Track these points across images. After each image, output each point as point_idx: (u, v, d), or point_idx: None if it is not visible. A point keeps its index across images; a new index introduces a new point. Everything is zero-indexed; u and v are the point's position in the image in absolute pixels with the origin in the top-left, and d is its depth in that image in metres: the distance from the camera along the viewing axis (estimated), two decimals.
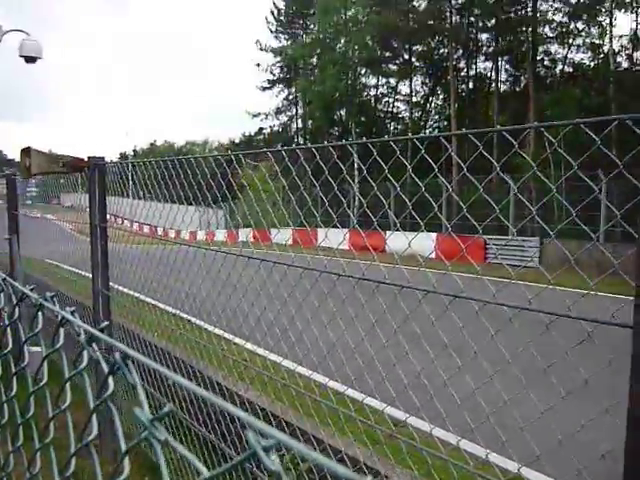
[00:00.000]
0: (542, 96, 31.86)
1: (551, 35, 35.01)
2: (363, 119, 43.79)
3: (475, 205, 2.72)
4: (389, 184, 2.63)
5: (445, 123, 41.24)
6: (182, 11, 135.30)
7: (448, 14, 36.78)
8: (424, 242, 2.97)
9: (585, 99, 29.67)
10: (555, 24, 34.17)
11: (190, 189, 3.97)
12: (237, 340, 4.16)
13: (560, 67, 36.11)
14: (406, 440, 2.69)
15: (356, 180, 21.83)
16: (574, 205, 2.27)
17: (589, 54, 34.41)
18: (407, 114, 44.54)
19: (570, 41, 34.51)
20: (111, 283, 4.75)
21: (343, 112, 43.40)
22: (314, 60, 44.48)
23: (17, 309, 1.52)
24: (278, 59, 48.12)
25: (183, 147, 73.68)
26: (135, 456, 3.79)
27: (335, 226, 3.14)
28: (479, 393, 2.39)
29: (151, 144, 78.35)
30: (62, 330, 1.22)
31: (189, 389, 0.79)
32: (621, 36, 31.84)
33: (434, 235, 15.16)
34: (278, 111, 50.24)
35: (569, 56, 35.25)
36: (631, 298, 1.63)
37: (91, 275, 4.73)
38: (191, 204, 4.39)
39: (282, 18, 48.51)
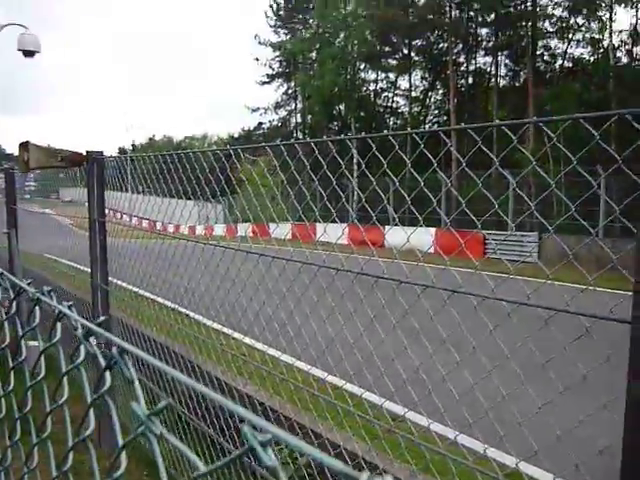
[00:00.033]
0: (542, 91, 31.79)
1: (551, 30, 34.95)
2: (362, 114, 43.68)
3: (474, 200, 2.72)
4: (388, 179, 2.63)
5: (444, 118, 41.20)
6: (181, 6, 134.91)
7: (447, 8, 36.66)
8: (423, 237, 2.97)
9: (585, 94, 29.61)
10: (555, 19, 34.10)
11: (189, 184, 3.97)
12: (236, 335, 4.16)
13: (560, 62, 36.04)
14: (404, 435, 2.69)
15: (355, 175, 21.82)
16: (573, 200, 2.27)
17: (589, 49, 34.33)
18: (406, 109, 44.50)
19: (570, 36, 34.43)
20: (110, 278, 4.75)
21: (342, 107, 43.33)
22: (313, 55, 44.37)
23: (14, 303, 1.52)
24: (277, 53, 48.03)
25: (182, 142, 73.60)
26: (135, 450, 3.80)
27: (334, 221, 3.13)
28: (477, 388, 2.39)
29: (150, 139, 78.30)
30: (59, 324, 1.22)
31: (186, 384, 0.78)
32: (621, 31, 31.78)
33: (433, 230, 15.18)
34: (277, 106, 50.17)
35: (569, 51, 35.20)
36: (630, 294, 1.63)
37: (90, 270, 4.73)
38: (190, 199, 4.39)
39: (281, 12, 48.38)
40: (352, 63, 41.63)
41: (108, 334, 0.99)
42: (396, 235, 2.99)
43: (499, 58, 37.82)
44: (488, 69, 39.66)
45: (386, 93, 45.74)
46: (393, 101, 45.76)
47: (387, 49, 42.24)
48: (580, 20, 33.68)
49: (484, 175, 2.80)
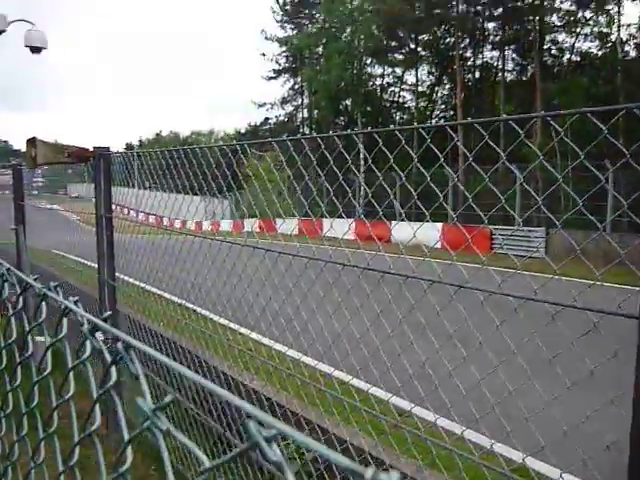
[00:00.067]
0: (549, 85, 31.63)
1: (558, 24, 34.72)
2: (369, 109, 43.57)
3: (481, 195, 2.71)
4: (395, 174, 2.62)
5: (451, 113, 41.02)
6: (187, 3, 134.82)
7: (454, 2, 36.45)
8: (429, 232, 2.96)
9: (592, 88, 29.46)
10: (562, 13, 33.87)
11: (195, 179, 3.97)
12: (242, 330, 4.17)
13: (567, 56, 35.80)
14: (411, 430, 2.69)
15: (362, 170, 21.79)
16: (581, 195, 2.26)
17: (597, 43, 34.08)
18: (413, 104, 44.35)
19: (578, 30, 34.20)
20: (117, 273, 4.77)
21: (349, 102, 43.23)
22: (320, 50, 44.25)
23: (21, 299, 1.53)
24: (284, 49, 47.91)
25: (189, 137, 73.66)
26: (142, 445, 3.81)
27: (340, 216, 3.13)
28: (484, 383, 2.38)
29: (157, 134, 78.43)
30: (65, 320, 1.22)
31: (192, 379, 0.78)
32: (629, 25, 31.54)
33: (439, 225, 15.16)
34: (284, 101, 50.06)
35: (576, 45, 34.95)
36: (637, 288, 1.62)
37: (97, 265, 4.75)
38: (196, 194, 4.39)
39: (287, 7, 48.26)
40: (358, 58, 41.50)
41: (114, 329, 0.99)
42: (403, 230, 2.98)
43: (506, 52, 37.61)
44: (495, 63, 39.46)
45: (393, 88, 45.61)
46: (400, 96, 45.64)
47: (394, 44, 42.09)
48: (588, 14, 33.46)
49: (491, 170, 2.79)
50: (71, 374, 1.19)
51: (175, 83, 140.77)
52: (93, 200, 4.82)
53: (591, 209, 2.21)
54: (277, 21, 48.39)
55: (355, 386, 3.14)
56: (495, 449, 2.40)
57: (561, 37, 35.43)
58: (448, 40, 39.90)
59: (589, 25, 33.72)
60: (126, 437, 0.87)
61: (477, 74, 40.85)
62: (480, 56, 39.85)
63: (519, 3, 34.25)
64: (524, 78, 37.46)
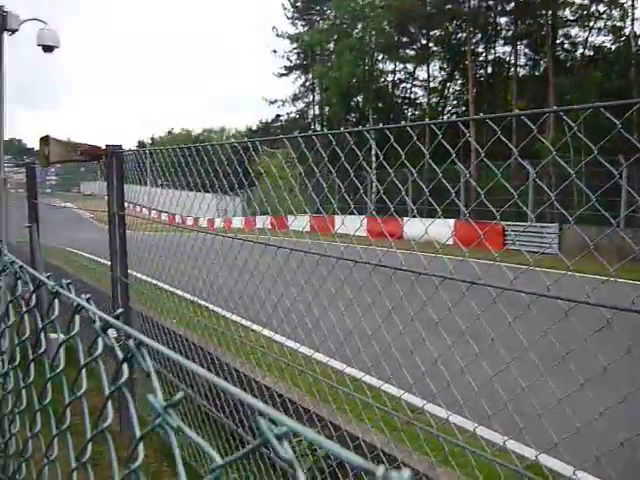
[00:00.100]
0: (562, 80, 31.40)
1: (571, 18, 34.43)
2: (380, 105, 43.47)
3: (493, 191, 2.70)
4: (406, 170, 2.61)
5: (463, 108, 40.83)
6: (199, 1, 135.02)
7: None
8: (442, 228, 2.95)
9: (606, 83, 29.22)
10: (575, 7, 33.58)
11: (207, 176, 3.98)
12: (255, 327, 4.18)
13: (580, 50, 35.51)
14: (423, 427, 2.69)
15: (373, 166, 21.76)
16: (594, 191, 2.24)
17: (610, 37, 33.80)
18: (425, 100, 44.16)
19: (591, 24, 33.91)
20: (129, 270, 4.79)
21: (360, 98, 43.15)
22: (331, 46, 44.21)
23: (34, 296, 1.54)
24: (295, 45, 47.92)
25: (200, 135, 73.79)
26: (154, 442, 3.83)
27: (352, 213, 3.12)
28: (496, 380, 2.38)
29: (169, 132, 78.58)
30: (77, 317, 1.23)
31: (203, 376, 0.79)
32: None
33: (452, 221, 15.09)
34: (295, 98, 50.10)
35: (590, 39, 34.67)
36: None
37: (110, 263, 4.77)
38: (208, 191, 4.40)
39: (298, 4, 48.22)
40: (370, 54, 41.40)
41: (125, 326, 0.99)
42: (414, 227, 2.97)
43: (518, 47, 37.37)
44: (507, 58, 39.24)
45: (404, 84, 45.49)
46: (411, 92, 45.51)
47: (405, 39, 41.93)
48: (601, 7, 33.17)
49: (503, 166, 2.78)
50: (83, 371, 1.20)
51: (187, 81, 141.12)
52: (106, 198, 4.84)
53: (605, 205, 2.19)
54: (288, 18, 48.45)
55: (367, 383, 3.14)
56: (508, 446, 2.40)
57: (574, 31, 35.17)
58: (460, 35, 39.68)
59: (602, 19, 33.43)
60: (138, 434, 0.88)
61: (489, 69, 40.63)
62: (492, 51, 39.63)
63: None
64: (537, 73, 37.22)
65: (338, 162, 2.96)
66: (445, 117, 42.16)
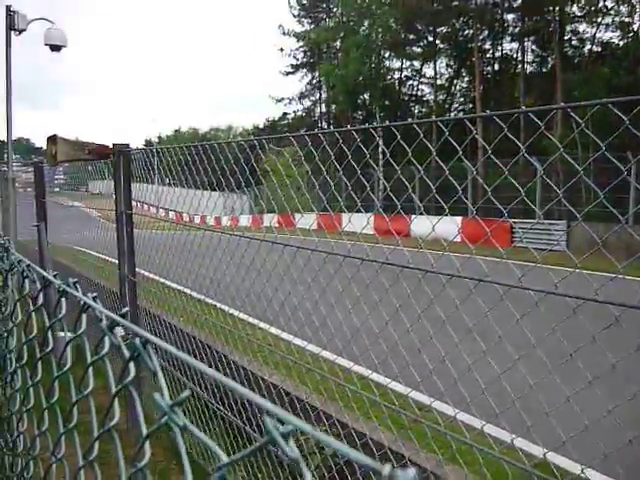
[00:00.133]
0: (570, 77, 31.24)
1: (579, 14, 34.23)
2: (387, 103, 43.39)
3: (501, 188, 2.69)
4: (413, 168, 2.61)
5: (470, 105, 40.70)
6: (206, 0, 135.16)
7: None
8: (449, 226, 2.95)
9: (614, 79, 29.05)
10: (583, 3, 33.38)
11: (214, 175, 3.98)
12: (262, 325, 4.18)
13: (588, 47, 35.29)
14: (431, 425, 2.69)
15: (380, 164, 21.73)
16: (602, 187, 2.23)
17: (618, 33, 33.58)
18: (431, 97, 44.07)
19: (599, 20, 33.70)
20: (137, 269, 4.80)
21: (367, 96, 43.08)
22: (337, 44, 44.18)
23: (41, 295, 1.55)
24: (301, 43, 47.88)
25: (207, 133, 73.82)
26: (162, 440, 3.85)
27: (359, 211, 3.12)
28: (504, 378, 2.37)
29: (176, 131, 78.67)
30: (84, 316, 1.23)
31: (208, 374, 0.79)
32: None
33: (459, 219, 15.06)
34: (302, 96, 50.08)
35: (597, 35, 34.44)
36: None
37: (117, 261, 4.79)
38: (215, 190, 4.41)
39: (305, 2, 48.16)
40: (376, 51, 41.32)
41: (131, 325, 1.00)
42: (422, 224, 2.97)
43: (526, 44, 37.21)
44: (514, 55, 39.10)
45: (411, 81, 45.39)
46: (418, 89, 45.40)
47: (412, 37, 41.82)
48: (609, 3, 32.97)
49: (511, 163, 2.77)
50: (90, 369, 1.20)
51: (194, 80, 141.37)
52: (113, 197, 4.85)
53: (613, 201, 2.18)
54: (294, 16, 48.36)
55: (374, 381, 3.14)
56: (516, 444, 2.39)
57: (582, 27, 34.93)
58: (467, 32, 39.53)
59: (610, 15, 33.19)
60: (144, 432, 0.88)
61: (496, 66, 40.49)
62: (499, 48, 39.48)
63: None
64: (544, 70, 37.04)
65: (345, 160, 2.95)
66: (452, 114, 42.02)
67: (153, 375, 0.90)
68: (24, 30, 11.45)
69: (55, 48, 12.11)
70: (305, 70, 49.33)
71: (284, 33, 47.55)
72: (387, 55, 42.80)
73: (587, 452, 2.33)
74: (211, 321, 4.46)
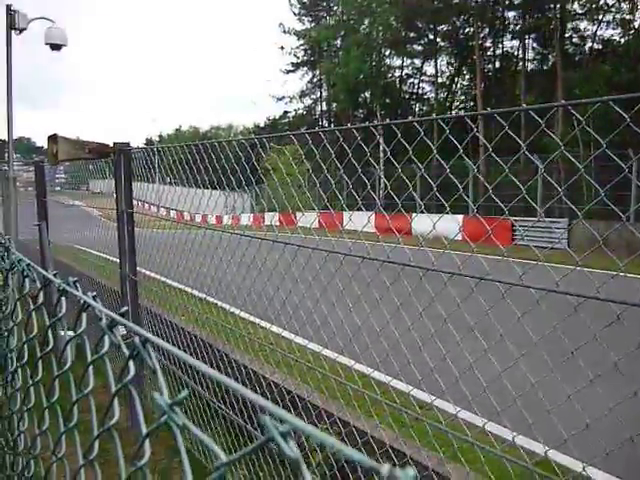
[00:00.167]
0: (571, 74, 31.19)
1: (580, 11, 34.15)
2: (388, 101, 43.36)
3: (502, 186, 2.68)
4: (414, 166, 2.61)
5: (471, 103, 40.69)
6: None
7: None
8: (450, 224, 2.94)
9: (615, 76, 28.98)
10: (584, 0, 33.34)
11: (215, 174, 3.98)
12: (263, 323, 4.18)
13: (589, 44, 35.22)
14: (432, 423, 2.68)
15: (381, 162, 21.72)
16: (603, 185, 2.23)
17: (619, 30, 33.51)
18: (432, 95, 44.04)
19: (600, 17, 33.64)
20: (138, 268, 4.80)
21: (368, 94, 43.04)
22: (338, 42, 44.14)
23: (42, 294, 1.55)
24: (302, 42, 47.84)
25: (208, 132, 73.78)
26: (165, 439, 3.85)
27: (360, 209, 3.12)
28: (505, 376, 2.37)
29: (176, 129, 78.67)
30: (84, 315, 1.23)
31: (207, 374, 0.79)
32: None
33: (460, 217, 15.06)
34: (302, 94, 50.04)
35: (599, 33, 34.36)
36: None
37: (119, 260, 4.79)
38: (216, 188, 4.40)
39: (305, 0, 48.12)
40: (377, 50, 41.28)
41: (131, 324, 0.99)
42: (422, 222, 2.96)
43: (527, 41, 37.14)
44: (515, 53, 39.04)
45: (412, 79, 45.36)
46: (419, 87, 45.38)
47: (412, 35, 41.77)
48: (610, 0, 32.89)
49: (511, 160, 2.76)
50: (90, 368, 1.20)
51: (194, 78, 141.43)
52: (114, 196, 4.85)
53: (614, 199, 2.18)
54: (295, 14, 48.34)
55: (376, 379, 3.14)
56: (517, 442, 2.39)
57: (583, 25, 34.86)
58: (467, 30, 39.47)
59: (611, 12, 33.13)
60: (144, 431, 0.88)
61: (497, 64, 40.43)
62: (500, 46, 39.42)
63: None
64: (545, 67, 36.99)
65: (346, 158, 2.95)
66: (453, 112, 41.98)
67: (152, 373, 0.90)
68: (24, 29, 11.46)
69: (55, 47, 12.12)
70: (306, 68, 49.29)
71: (285, 31, 47.57)
72: (388, 53, 42.77)
73: (589, 450, 2.33)
74: (212, 320, 4.46)
